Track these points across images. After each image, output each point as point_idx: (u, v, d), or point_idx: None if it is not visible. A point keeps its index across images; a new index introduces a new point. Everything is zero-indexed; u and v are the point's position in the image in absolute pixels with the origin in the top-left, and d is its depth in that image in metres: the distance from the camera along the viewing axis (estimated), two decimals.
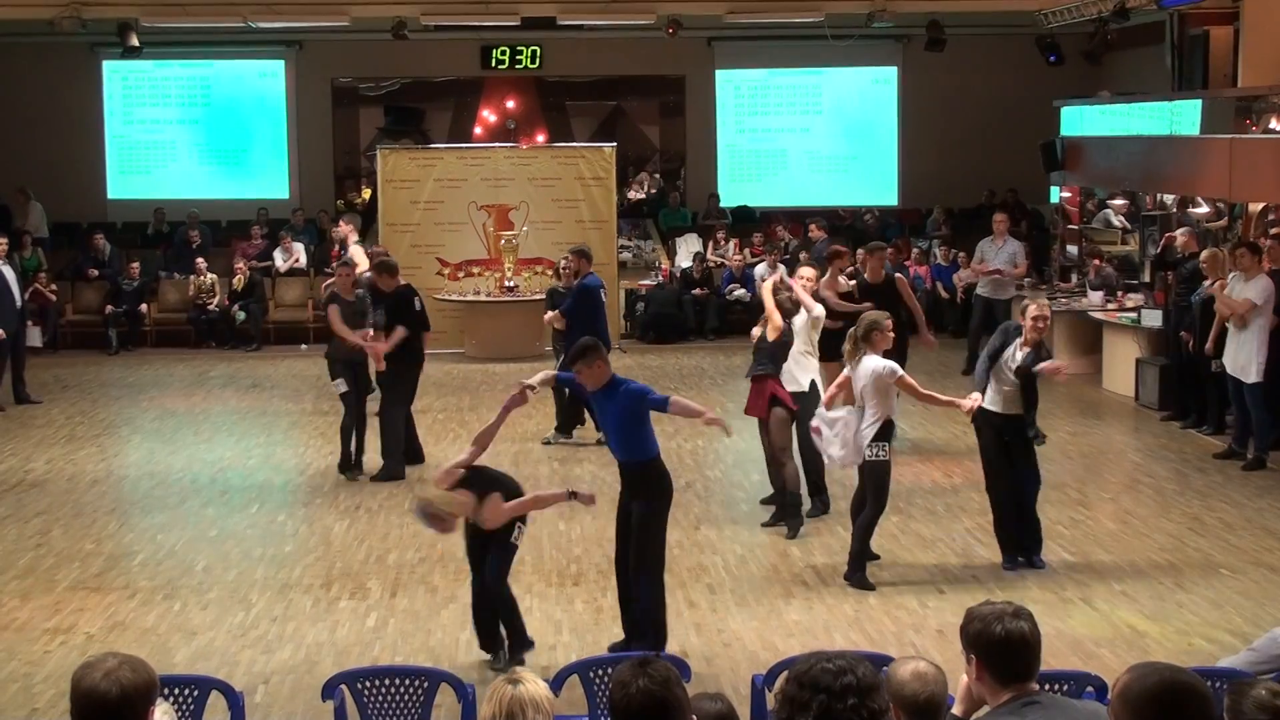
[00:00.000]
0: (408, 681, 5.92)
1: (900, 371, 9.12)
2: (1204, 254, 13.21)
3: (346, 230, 16.72)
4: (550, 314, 13.22)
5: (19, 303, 15.38)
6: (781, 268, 16.24)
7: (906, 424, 13.36)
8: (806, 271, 10.94)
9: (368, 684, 5.89)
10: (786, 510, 10.27)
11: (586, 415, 13.01)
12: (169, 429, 14.35)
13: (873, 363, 9.03)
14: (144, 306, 19.66)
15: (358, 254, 15.36)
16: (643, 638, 7.70)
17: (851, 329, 9.32)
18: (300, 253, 20.72)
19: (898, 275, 12.97)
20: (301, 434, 13.75)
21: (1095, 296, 16.54)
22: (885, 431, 9.08)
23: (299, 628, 8.43)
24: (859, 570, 9.11)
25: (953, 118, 22.83)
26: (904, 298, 12.38)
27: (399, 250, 18.74)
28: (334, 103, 24.06)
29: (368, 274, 12.84)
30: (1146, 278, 16.29)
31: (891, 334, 9.28)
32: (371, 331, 11.97)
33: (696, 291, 19.88)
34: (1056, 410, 14.63)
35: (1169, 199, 16.95)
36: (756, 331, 10.38)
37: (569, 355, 7.96)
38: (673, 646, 7.89)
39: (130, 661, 3.67)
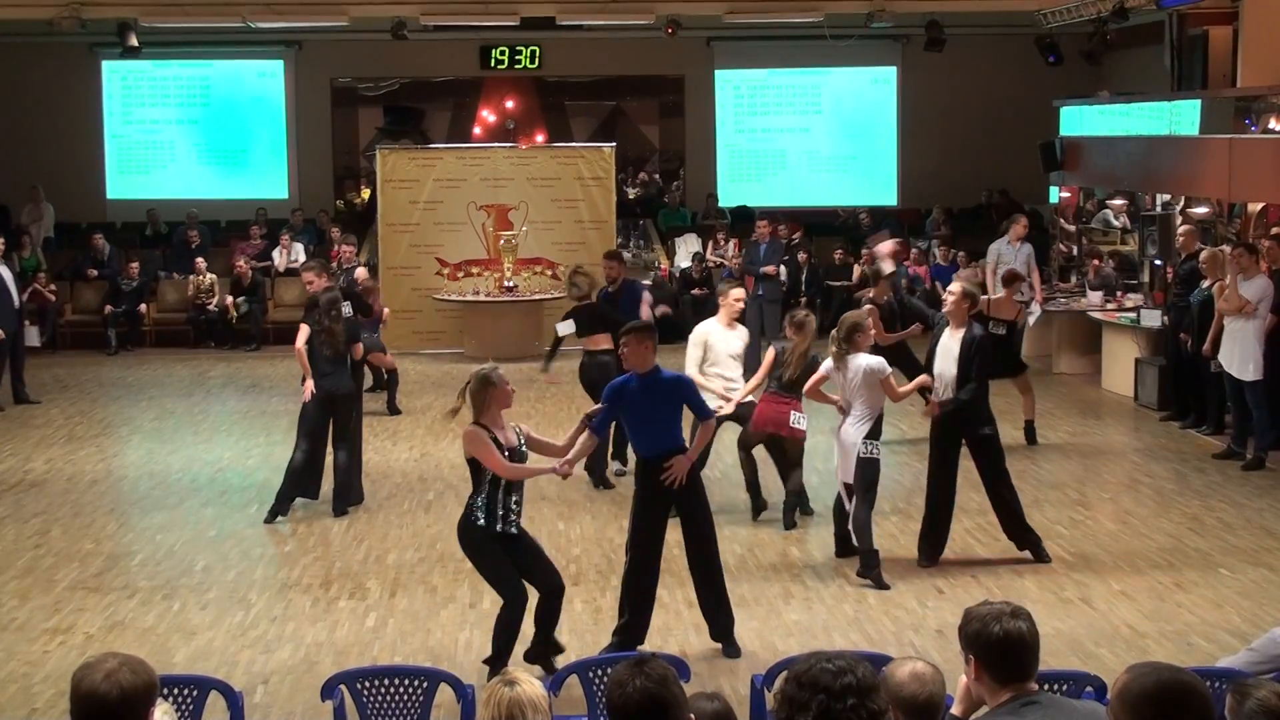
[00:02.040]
0: (407, 681, 5.92)
1: (889, 370, 9.20)
2: (1203, 254, 13.23)
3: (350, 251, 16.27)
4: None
5: (17, 303, 15.37)
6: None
7: (906, 425, 13.38)
8: (736, 293, 10.92)
9: (367, 684, 5.89)
10: (801, 507, 10.46)
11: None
12: (168, 429, 14.36)
13: (864, 360, 9.11)
14: (143, 306, 19.67)
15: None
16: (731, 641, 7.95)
17: (833, 331, 9.44)
18: (300, 252, 20.72)
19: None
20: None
21: (1094, 296, 16.54)
22: (877, 428, 9.16)
23: (298, 628, 8.43)
24: (873, 567, 9.10)
25: (952, 118, 22.83)
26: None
27: (398, 250, 18.78)
28: (333, 103, 24.05)
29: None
30: (1146, 277, 16.32)
31: (873, 332, 9.41)
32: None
33: (695, 291, 19.87)
34: (1056, 410, 14.64)
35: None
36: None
37: (625, 330, 7.98)
38: (672, 646, 7.89)
39: (130, 662, 3.67)
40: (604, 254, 13.33)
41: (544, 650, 7.69)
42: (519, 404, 14.68)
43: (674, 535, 10.19)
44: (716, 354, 10.56)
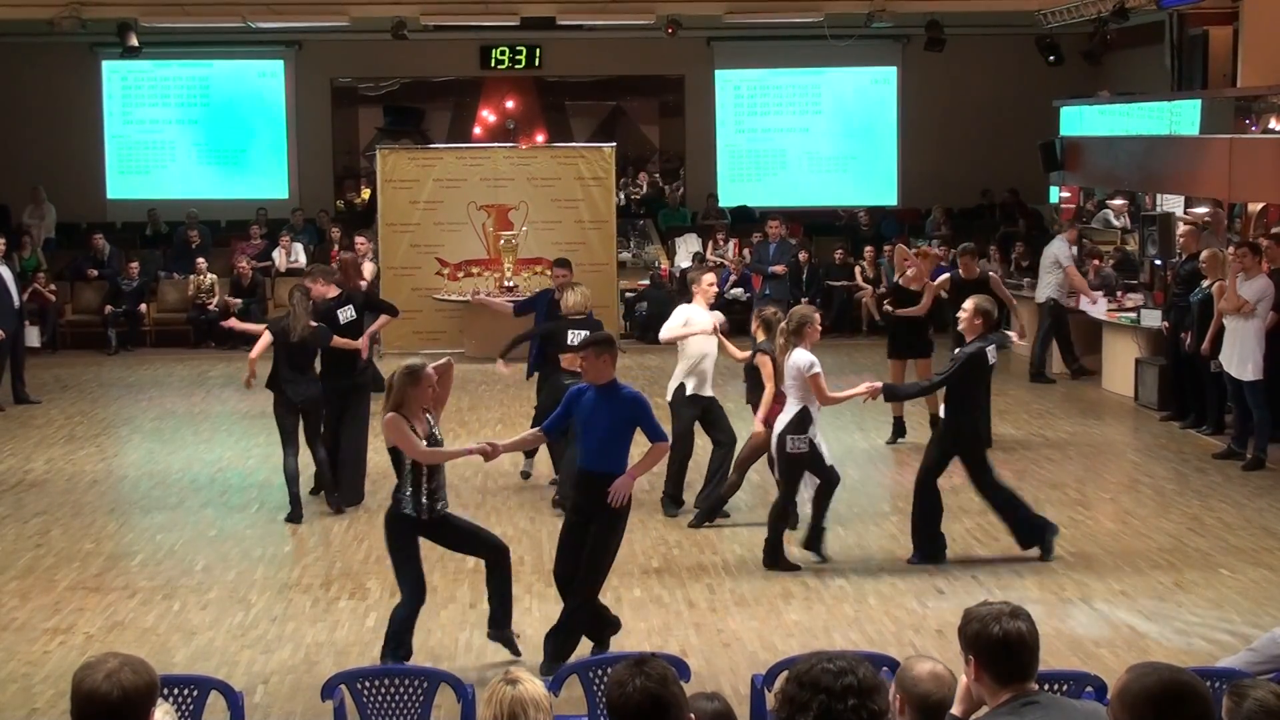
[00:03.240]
0: (407, 681, 5.92)
1: (815, 370, 9.32)
2: (1204, 254, 13.21)
3: (364, 248, 16.38)
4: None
5: (17, 303, 15.38)
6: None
7: (907, 424, 13.36)
8: (709, 278, 11.06)
9: (367, 684, 5.89)
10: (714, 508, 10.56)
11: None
12: (168, 429, 14.36)
13: (799, 357, 9.34)
14: (143, 306, 19.67)
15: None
16: (556, 658, 7.65)
17: (783, 323, 9.63)
18: (300, 252, 20.73)
19: (991, 274, 13.69)
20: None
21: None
22: (802, 422, 9.33)
23: (298, 628, 8.44)
24: (776, 556, 9.43)
25: (952, 118, 22.84)
26: (998, 295, 12.19)
27: (398, 250, 18.77)
28: (333, 103, 24.07)
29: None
30: (1146, 277, 16.32)
31: (820, 329, 9.62)
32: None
33: None
34: (1056, 410, 14.65)
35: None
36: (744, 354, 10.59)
37: (585, 340, 7.95)
38: (672, 646, 7.89)
39: (131, 662, 3.67)
40: (554, 261, 12.90)
41: (503, 619, 7.81)
42: (519, 404, 14.78)
43: (673, 535, 10.23)
44: (690, 327, 10.63)
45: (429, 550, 9.88)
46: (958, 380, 9.51)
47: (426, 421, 7.65)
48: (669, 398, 10.73)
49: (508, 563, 7.85)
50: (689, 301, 10.96)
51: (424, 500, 7.57)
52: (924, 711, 4.10)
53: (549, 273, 18.50)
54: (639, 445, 7.82)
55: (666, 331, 10.70)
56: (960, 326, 9.75)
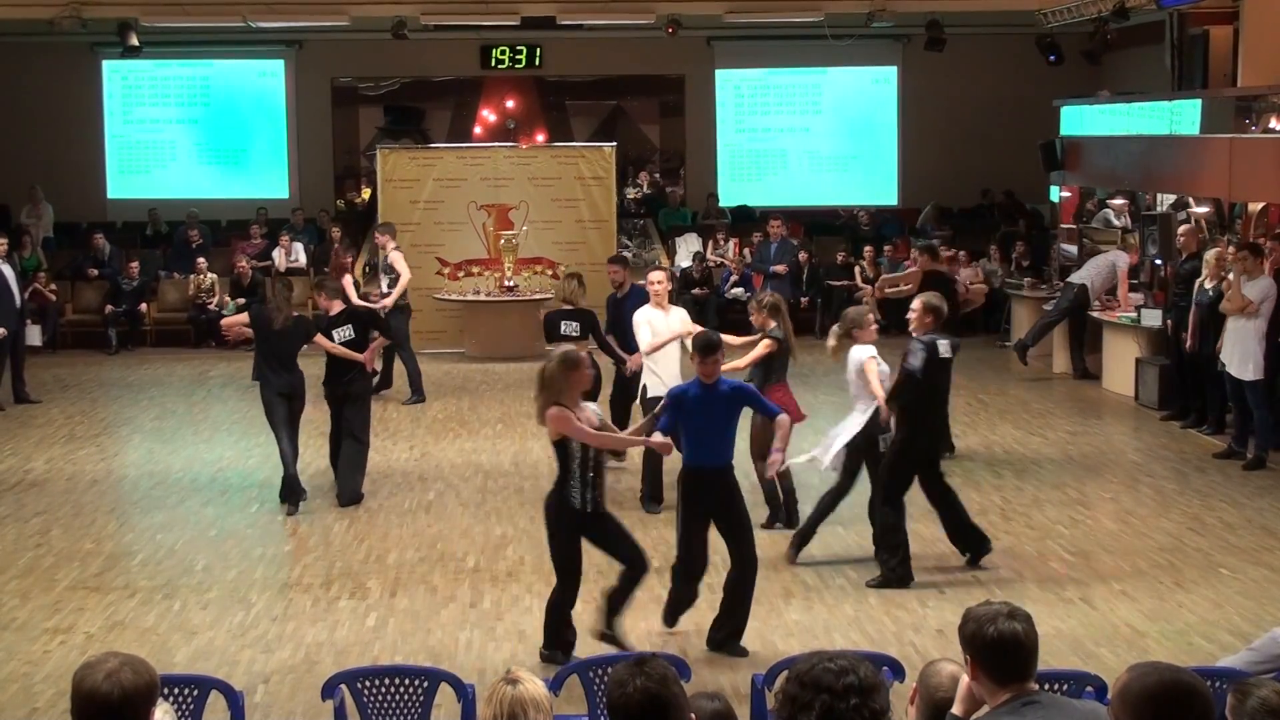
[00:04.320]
0: (408, 681, 5.92)
1: (867, 356, 9.33)
2: (1209, 254, 13.19)
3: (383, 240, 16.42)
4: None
5: (18, 302, 15.38)
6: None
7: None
8: (653, 275, 11.17)
9: (367, 684, 5.90)
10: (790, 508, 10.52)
11: None
12: (169, 429, 14.36)
13: (854, 351, 9.38)
14: (144, 306, 19.67)
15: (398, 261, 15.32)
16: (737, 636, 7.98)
17: (835, 325, 9.69)
18: (300, 252, 20.73)
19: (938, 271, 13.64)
20: (301, 434, 13.70)
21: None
22: (876, 417, 9.33)
23: (299, 627, 8.44)
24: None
25: (952, 117, 22.82)
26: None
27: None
28: (334, 102, 24.06)
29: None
30: (1146, 277, 16.31)
31: (875, 327, 9.62)
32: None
33: (696, 291, 19.87)
34: (1056, 410, 14.65)
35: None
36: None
37: (699, 346, 8.02)
38: (672, 646, 7.89)
39: (131, 662, 3.67)
40: (608, 259, 13.10)
41: (610, 620, 7.85)
42: (520, 404, 14.76)
43: (674, 535, 10.20)
44: (659, 337, 10.75)
45: (428, 550, 9.93)
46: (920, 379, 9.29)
47: (593, 413, 7.72)
48: (638, 399, 11.09)
49: (643, 575, 7.91)
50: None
51: (590, 493, 7.64)
52: (931, 707, 4.20)
53: (549, 272, 18.60)
54: None
55: (643, 344, 10.78)
56: (910, 327, 9.46)
